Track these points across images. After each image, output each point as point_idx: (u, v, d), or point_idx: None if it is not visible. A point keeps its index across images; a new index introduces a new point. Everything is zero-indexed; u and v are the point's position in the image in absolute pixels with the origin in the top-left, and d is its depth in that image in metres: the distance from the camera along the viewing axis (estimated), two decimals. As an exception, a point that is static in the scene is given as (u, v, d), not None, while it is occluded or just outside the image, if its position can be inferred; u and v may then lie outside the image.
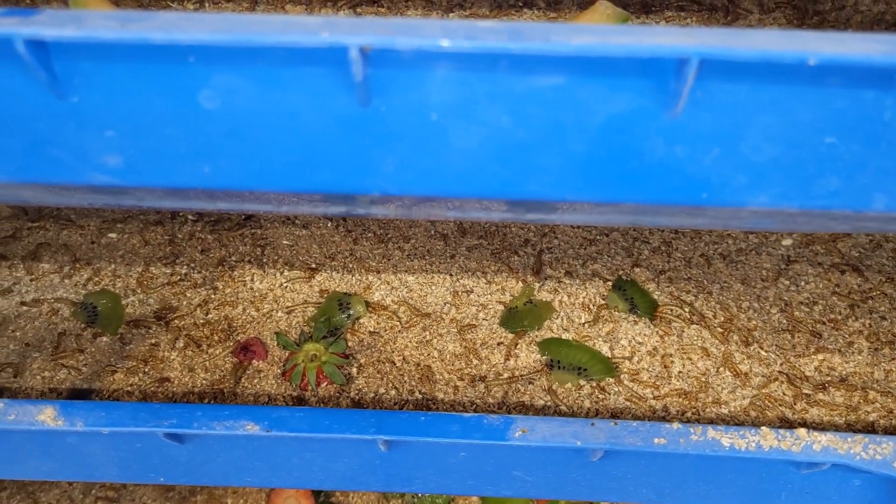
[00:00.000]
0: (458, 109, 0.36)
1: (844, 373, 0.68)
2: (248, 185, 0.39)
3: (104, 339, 0.71)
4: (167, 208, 0.57)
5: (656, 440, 0.50)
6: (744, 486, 0.54)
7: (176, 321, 0.73)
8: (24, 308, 0.74)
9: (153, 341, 0.71)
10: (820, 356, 0.69)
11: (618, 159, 0.37)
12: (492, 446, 0.52)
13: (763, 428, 0.51)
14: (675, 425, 0.51)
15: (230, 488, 0.91)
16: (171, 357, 0.70)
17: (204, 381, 0.67)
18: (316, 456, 0.55)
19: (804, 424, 0.63)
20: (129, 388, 0.67)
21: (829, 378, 0.67)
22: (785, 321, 0.72)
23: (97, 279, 0.77)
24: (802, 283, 0.75)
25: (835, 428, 0.63)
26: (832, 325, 0.71)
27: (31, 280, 0.77)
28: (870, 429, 0.63)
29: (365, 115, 0.36)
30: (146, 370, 0.69)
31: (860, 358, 0.69)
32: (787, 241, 0.77)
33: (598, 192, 0.38)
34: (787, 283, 0.75)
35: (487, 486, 0.56)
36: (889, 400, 0.65)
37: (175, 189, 0.45)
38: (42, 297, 0.75)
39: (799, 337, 0.70)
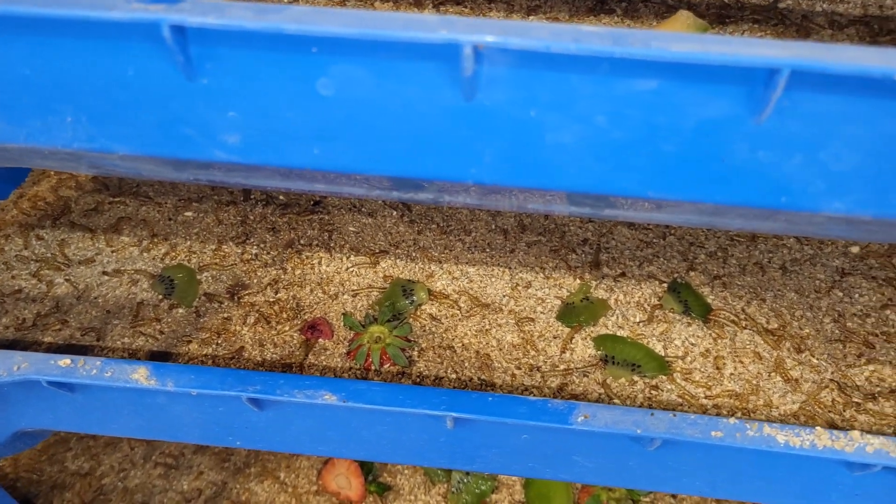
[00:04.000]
0: (557, 107, 0.38)
1: (895, 384, 0.69)
2: (355, 168, 0.42)
3: (180, 310, 0.75)
4: (265, 188, 0.60)
5: (713, 433, 0.52)
6: (795, 485, 0.56)
7: (247, 298, 0.77)
8: (106, 277, 0.78)
9: (225, 315, 0.75)
10: (871, 367, 0.70)
11: (704, 161, 0.39)
12: (554, 430, 0.54)
13: (818, 427, 0.53)
14: (732, 420, 0.53)
15: (283, 462, 0.95)
16: (243, 331, 0.73)
17: (273, 356, 0.71)
18: (385, 430, 0.58)
19: (882, 435, 0.64)
20: (202, 358, 0.71)
21: (879, 389, 0.68)
22: (838, 331, 0.73)
23: (174, 254, 0.81)
24: (856, 296, 0.76)
25: (884, 437, 0.64)
26: (884, 337, 0.73)
27: (112, 252, 0.81)
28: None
29: (469, 109, 0.39)
30: (219, 342, 0.72)
31: (911, 371, 0.70)
32: (855, 249, 0.79)
33: (682, 191, 0.41)
34: (841, 294, 0.77)
35: (547, 468, 0.59)
36: (939, 413, 0.66)
37: (278, 168, 0.48)
38: (122, 268, 0.79)
39: (851, 347, 0.72)
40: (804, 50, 0.34)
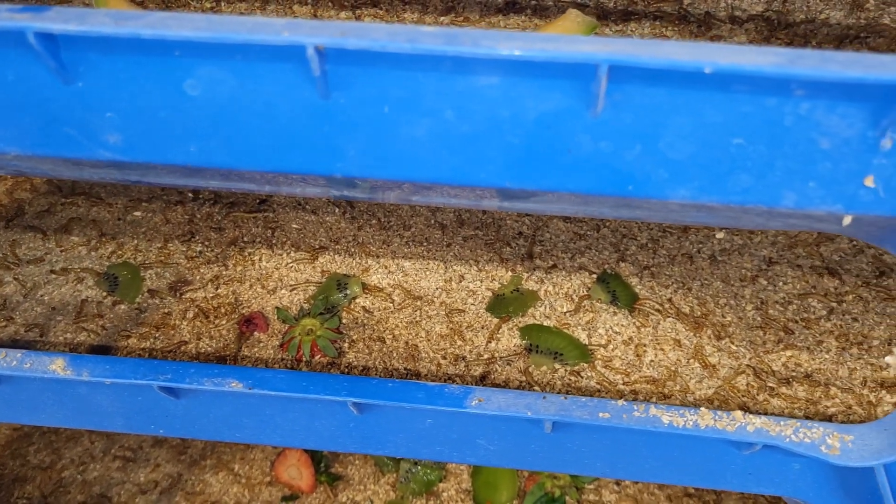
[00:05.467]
0: (407, 104, 0.41)
1: (810, 369, 0.71)
2: (230, 164, 0.44)
3: (122, 306, 0.78)
4: (167, 185, 0.63)
5: (601, 414, 0.54)
6: (690, 465, 0.58)
7: (189, 294, 0.79)
8: (53, 276, 0.81)
9: (166, 311, 0.77)
10: (788, 352, 0.72)
11: (550, 152, 0.41)
12: (454, 414, 0.57)
13: (701, 408, 0.55)
14: (620, 402, 0.55)
15: (238, 454, 0.98)
16: (182, 326, 0.76)
17: (209, 348, 0.73)
18: (297, 416, 0.60)
19: (764, 415, 0.66)
20: (140, 352, 0.73)
21: (794, 373, 0.70)
22: (759, 318, 0.75)
23: (120, 252, 0.83)
24: (780, 284, 0.78)
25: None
26: (804, 324, 0.74)
27: (62, 251, 0.84)
28: (827, 422, 0.66)
29: (326, 107, 0.41)
30: (157, 336, 0.75)
31: (827, 356, 0.72)
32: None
33: (536, 181, 0.43)
34: (766, 282, 0.79)
35: (453, 452, 0.61)
36: (849, 396, 0.68)
37: (176, 167, 0.51)
38: (70, 267, 0.82)
39: (770, 334, 0.74)
40: (621, 46, 0.36)
